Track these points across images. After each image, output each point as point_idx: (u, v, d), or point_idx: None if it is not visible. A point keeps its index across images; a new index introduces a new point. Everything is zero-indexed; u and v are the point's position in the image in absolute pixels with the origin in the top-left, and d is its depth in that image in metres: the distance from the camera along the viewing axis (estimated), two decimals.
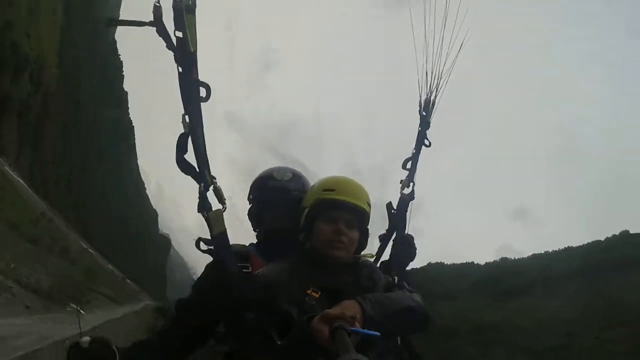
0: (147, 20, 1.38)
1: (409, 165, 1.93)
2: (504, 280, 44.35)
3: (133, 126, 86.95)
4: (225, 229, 1.48)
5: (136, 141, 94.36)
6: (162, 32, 1.36)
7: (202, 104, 1.42)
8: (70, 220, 40.98)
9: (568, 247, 47.83)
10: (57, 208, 37.24)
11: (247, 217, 1.97)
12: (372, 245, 1.85)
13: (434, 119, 1.95)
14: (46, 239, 20.22)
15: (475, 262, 53.26)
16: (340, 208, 1.54)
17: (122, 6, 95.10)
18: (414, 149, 1.93)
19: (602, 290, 34.61)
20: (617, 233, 43.67)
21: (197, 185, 1.45)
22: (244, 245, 1.78)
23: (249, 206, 1.95)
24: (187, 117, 1.40)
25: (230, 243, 1.51)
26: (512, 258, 50.61)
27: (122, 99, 69.14)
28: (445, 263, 51.44)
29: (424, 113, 1.92)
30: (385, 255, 1.93)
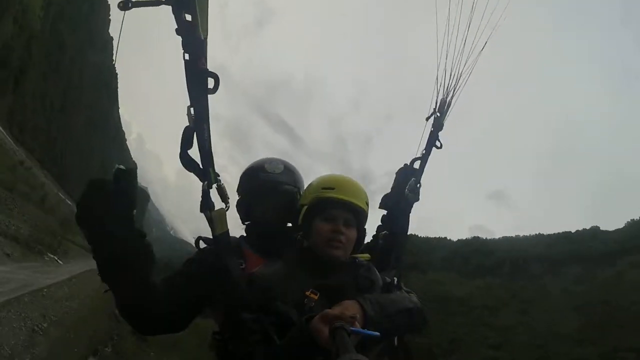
0: None
1: (416, 165, 1.86)
2: (473, 257, 44.94)
3: (117, 73, 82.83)
4: (228, 229, 1.46)
5: (119, 90, 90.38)
6: (178, 12, 1.18)
7: (209, 96, 1.29)
8: (49, 169, 39.95)
9: (538, 234, 48.63)
10: (36, 157, 36.11)
11: (235, 207, 1.88)
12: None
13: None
14: (24, 187, 19.73)
15: (448, 238, 53.66)
16: (339, 207, 1.53)
17: None
18: (424, 149, 1.83)
19: (563, 278, 36.47)
20: (588, 227, 44.68)
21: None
22: (234, 237, 1.69)
23: (238, 198, 1.88)
24: (192, 109, 1.29)
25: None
26: (484, 238, 51.39)
27: (107, 43, 65.29)
28: (419, 235, 51.63)
29: (439, 114, 1.82)
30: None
